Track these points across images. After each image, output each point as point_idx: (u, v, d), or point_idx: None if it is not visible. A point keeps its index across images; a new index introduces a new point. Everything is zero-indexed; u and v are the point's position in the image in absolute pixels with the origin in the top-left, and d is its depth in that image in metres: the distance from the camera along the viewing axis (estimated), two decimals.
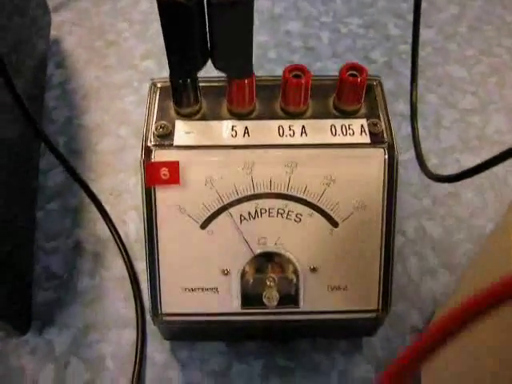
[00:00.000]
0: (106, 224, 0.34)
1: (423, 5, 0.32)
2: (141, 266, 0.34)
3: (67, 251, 0.34)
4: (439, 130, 0.41)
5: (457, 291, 0.29)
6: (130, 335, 0.31)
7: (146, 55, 0.45)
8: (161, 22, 0.22)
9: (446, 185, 0.38)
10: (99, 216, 0.35)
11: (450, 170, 0.38)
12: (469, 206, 0.37)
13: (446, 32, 0.47)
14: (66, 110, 0.41)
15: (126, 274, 0.33)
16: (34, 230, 0.35)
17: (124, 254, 0.33)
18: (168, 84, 0.27)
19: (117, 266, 0.34)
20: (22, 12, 0.39)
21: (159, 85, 0.28)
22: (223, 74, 0.25)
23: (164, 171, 0.25)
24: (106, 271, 0.34)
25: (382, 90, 0.28)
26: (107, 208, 0.35)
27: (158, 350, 0.31)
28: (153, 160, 0.25)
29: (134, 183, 0.37)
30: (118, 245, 0.33)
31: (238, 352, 0.31)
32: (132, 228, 0.35)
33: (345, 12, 0.49)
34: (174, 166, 0.25)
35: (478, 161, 0.39)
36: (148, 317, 0.32)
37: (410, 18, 0.44)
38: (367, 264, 0.27)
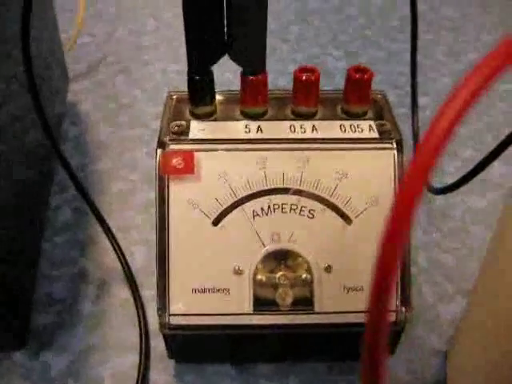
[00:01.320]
0: (113, 247, 0.33)
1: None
2: (146, 293, 0.32)
3: (71, 279, 0.33)
4: (444, 174, 0.42)
5: (469, 305, 0.28)
6: (132, 359, 0.29)
7: (157, 116, 0.47)
8: (183, 10, 0.23)
9: (456, 219, 0.38)
10: (106, 247, 0.34)
11: (458, 209, 0.39)
12: (478, 238, 0.37)
13: (441, 98, 0.50)
14: (79, 159, 0.42)
15: (131, 301, 0.32)
16: (38, 258, 0.34)
17: (130, 280, 0.32)
18: (184, 95, 0.29)
19: (122, 294, 0.33)
20: (43, 80, 0.42)
21: (175, 96, 0.29)
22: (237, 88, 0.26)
23: (178, 160, 0.26)
24: (110, 298, 0.32)
25: (387, 101, 0.29)
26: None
27: (161, 373, 0.29)
28: (168, 150, 0.26)
29: (142, 220, 0.37)
30: (124, 270, 0.33)
31: (249, 375, 0.29)
32: (139, 259, 0.35)
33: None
34: (188, 156, 0.26)
35: (484, 202, 0.40)
36: (152, 342, 0.30)
37: (408, 88, 0.47)
38: None
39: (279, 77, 0.51)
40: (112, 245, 0.33)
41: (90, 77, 0.52)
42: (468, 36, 0.60)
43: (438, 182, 0.37)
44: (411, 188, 0.11)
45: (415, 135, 0.40)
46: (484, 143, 0.45)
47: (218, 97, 0.28)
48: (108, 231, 0.33)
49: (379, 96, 0.29)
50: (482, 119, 0.48)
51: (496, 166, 0.43)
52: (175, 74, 0.52)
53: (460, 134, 0.46)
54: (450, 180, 0.41)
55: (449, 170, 0.43)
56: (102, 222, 0.33)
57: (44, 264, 0.34)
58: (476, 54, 0.56)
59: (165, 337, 0.27)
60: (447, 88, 0.52)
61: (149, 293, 0.32)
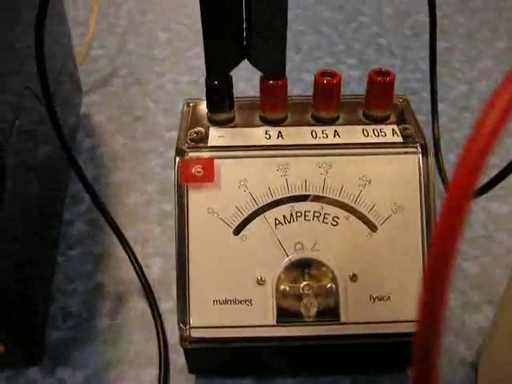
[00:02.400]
0: (130, 260, 0.32)
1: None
2: (164, 306, 0.32)
3: (87, 292, 0.33)
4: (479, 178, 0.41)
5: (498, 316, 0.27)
6: (151, 374, 0.29)
7: (171, 127, 0.46)
8: (201, 11, 0.23)
9: (478, 226, 0.37)
10: (122, 260, 0.34)
11: (479, 216, 0.38)
12: (502, 245, 0.36)
13: (459, 104, 0.49)
14: (93, 171, 0.42)
15: (149, 314, 0.31)
16: (54, 272, 0.34)
17: (148, 292, 0.32)
18: (201, 102, 0.28)
19: (139, 307, 0.32)
20: (58, 95, 0.42)
21: (192, 104, 0.29)
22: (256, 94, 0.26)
23: (198, 168, 0.25)
24: (127, 311, 0.32)
25: (409, 105, 0.29)
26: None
27: None
28: (186, 158, 0.25)
29: (159, 232, 0.37)
30: (141, 282, 0.32)
31: None
32: (156, 271, 0.34)
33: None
34: (208, 163, 0.25)
35: (506, 208, 0.39)
36: (171, 355, 0.29)
37: (423, 94, 0.47)
38: (409, 271, 0.25)
39: (293, 86, 0.50)
40: (129, 257, 0.33)
41: (103, 89, 0.52)
42: (483, 43, 0.59)
43: None
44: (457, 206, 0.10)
45: (436, 142, 0.39)
46: (504, 149, 0.44)
47: (237, 103, 0.27)
48: (124, 242, 0.33)
49: (400, 100, 0.29)
50: None
51: None
52: (188, 84, 0.52)
53: None
54: None
55: None
56: (118, 233, 0.32)
57: (59, 278, 0.34)
58: (491, 61, 0.56)
59: (185, 350, 0.26)
60: (463, 95, 0.51)
61: (167, 305, 0.32)
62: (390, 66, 0.55)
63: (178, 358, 0.29)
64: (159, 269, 0.34)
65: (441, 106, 0.48)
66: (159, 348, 0.29)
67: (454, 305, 0.32)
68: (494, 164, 0.42)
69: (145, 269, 0.33)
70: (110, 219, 0.32)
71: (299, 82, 0.51)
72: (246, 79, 0.50)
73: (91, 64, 0.55)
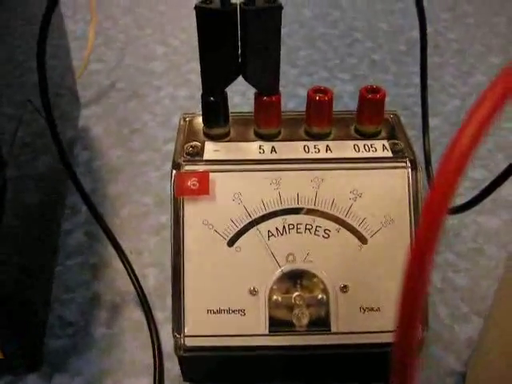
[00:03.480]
0: (127, 270, 0.33)
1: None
2: (160, 315, 0.32)
3: (84, 302, 0.33)
4: (454, 196, 0.41)
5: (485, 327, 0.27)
6: (146, 382, 0.29)
7: (168, 140, 0.47)
8: (198, 31, 0.24)
9: (468, 239, 0.38)
10: (119, 271, 0.34)
11: (470, 228, 0.39)
12: (491, 258, 0.36)
13: (451, 120, 0.50)
14: (90, 183, 0.43)
15: (144, 325, 0.32)
16: (51, 282, 0.34)
17: (144, 301, 0.32)
18: (197, 117, 0.29)
19: (135, 317, 0.32)
20: (57, 107, 0.42)
21: (188, 118, 0.29)
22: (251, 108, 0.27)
23: (193, 181, 0.26)
24: (123, 321, 0.32)
25: (400, 121, 0.29)
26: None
27: None
28: (182, 171, 0.26)
29: (155, 243, 0.37)
30: (137, 292, 0.32)
31: None
32: (152, 281, 0.35)
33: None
34: (203, 176, 0.26)
35: (497, 222, 0.40)
36: (166, 364, 0.30)
37: (416, 109, 0.47)
38: (399, 282, 0.26)
39: (289, 100, 0.51)
40: (125, 267, 0.33)
41: (101, 102, 0.53)
42: (475, 58, 0.60)
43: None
44: (434, 216, 0.11)
45: (427, 157, 0.40)
46: (495, 163, 0.45)
47: (232, 118, 0.28)
48: (121, 253, 0.33)
49: (391, 116, 0.30)
50: (492, 139, 0.48)
51: (507, 186, 0.43)
52: (185, 98, 0.53)
53: None
54: (461, 200, 0.42)
55: (459, 190, 0.43)
56: (114, 244, 0.33)
57: (57, 287, 0.34)
58: (484, 76, 0.57)
59: (180, 359, 0.27)
60: (456, 110, 0.52)
61: (162, 315, 0.32)
62: (383, 80, 0.56)
63: (173, 367, 0.30)
64: (155, 279, 0.35)
65: (433, 121, 0.49)
66: (154, 356, 0.30)
67: (443, 316, 0.33)
68: (486, 178, 0.43)
69: (141, 279, 0.34)
70: (107, 230, 0.33)
71: (294, 97, 0.52)
72: (241, 93, 0.51)
73: (89, 78, 0.56)
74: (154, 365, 0.29)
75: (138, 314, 0.32)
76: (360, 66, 0.58)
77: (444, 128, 0.49)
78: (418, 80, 0.54)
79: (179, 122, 0.29)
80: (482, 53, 0.61)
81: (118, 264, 0.34)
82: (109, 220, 0.39)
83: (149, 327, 0.31)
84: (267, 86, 0.26)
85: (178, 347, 0.26)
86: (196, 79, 0.54)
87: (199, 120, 0.29)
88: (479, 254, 0.37)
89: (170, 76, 0.56)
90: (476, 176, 0.44)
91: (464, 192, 0.42)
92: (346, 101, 0.51)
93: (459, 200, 0.41)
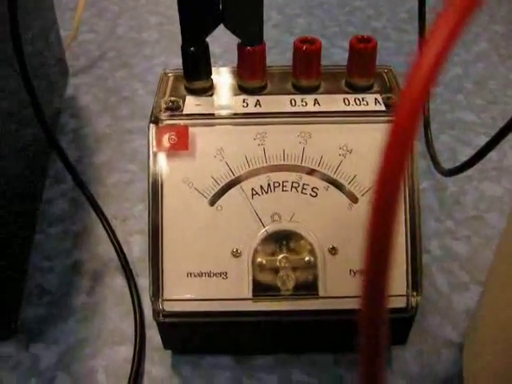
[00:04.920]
0: (109, 237, 0.32)
1: None
2: (143, 283, 0.31)
3: (64, 270, 0.32)
4: (456, 163, 0.40)
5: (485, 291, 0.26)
6: (126, 351, 0.28)
7: None
8: None
9: (469, 206, 0.36)
10: (102, 238, 0.33)
11: (471, 196, 0.37)
12: (492, 226, 0.35)
13: (453, 87, 0.48)
14: (76, 151, 0.41)
15: (127, 292, 0.30)
16: (30, 249, 0.33)
17: (126, 268, 0.31)
18: (179, 72, 0.27)
19: (117, 285, 0.31)
20: (42, 76, 0.41)
21: (170, 74, 0.28)
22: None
23: (172, 135, 0.24)
24: (105, 289, 0.31)
25: (395, 75, 0.28)
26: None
27: (157, 365, 0.27)
28: (161, 125, 0.24)
29: (139, 210, 0.36)
30: (119, 259, 0.31)
31: (249, 367, 0.27)
32: (136, 249, 0.33)
33: None
34: (182, 131, 0.24)
35: (499, 190, 0.38)
36: (148, 333, 0.29)
37: None
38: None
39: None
40: (108, 233, 0.32)
41: (91, 72, 0.51)
42: (479, 26, 0.58)
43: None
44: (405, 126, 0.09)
45: (425, 122, 0.38)
46: (497, 130, 0.43)
47: (215, 71, 0.27)
48: (103, 219, 0.32)
49: (385, 70, 0.28)
50: (495, 107, 0.46)
51: (510, 154, 0.41)
52: (177, 66, 0.51)
53: (473, 121, 0.44)
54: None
55: (462, 158, 0.41)
56: (96, 210, 0.32)
57: (36, 256, 0.33)
58: (487, 44, 0.55)
59: (159, 325, 0.25)
60: (458, 77, 0.50)
61: (145, 282, 0.31)
62: (384, 48, 0.54)
63: (155, 336, 0.28)
64: (139, 246, 0.33)
65: (436, 89, 0.47)
66: (135, 325, 0.28)
67: (441, 285, 0.31)
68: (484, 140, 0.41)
69: (124, 246, 0.32)
70: (89, 196, 0.31)
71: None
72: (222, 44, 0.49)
73: (80, 47, 0.54)
74: (135, 333, 0.28)
75: (120, 282, 0.31)
76: (360, 34, 0.56)
77: (445, 95, 0.48)
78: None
79: (160, 78, 0.27)
80: (487, 21, 0.59)
81: (102, 232, 0.33)
82: (94, 188, 0.37)
83: (131, 294, 0.30)
84: (250, 35, 0.24)
85: (156, 312, 0.24)
86: None
87: (181, 75, 0.27)
88: (480, 221, 0.35)
89: (163, 45, 0.54)
90: (479, 143, 0.42)
91: (465, 159, 0.41)
92: None
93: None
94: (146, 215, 0.35)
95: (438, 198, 0.37)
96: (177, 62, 0.51)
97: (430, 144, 0.36)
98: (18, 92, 0.32)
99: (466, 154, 0.41)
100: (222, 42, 0.48)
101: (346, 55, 0.50)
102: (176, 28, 0.57)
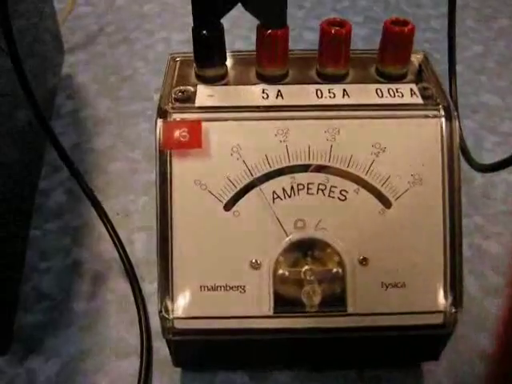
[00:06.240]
0: (111, 237, 0.29)
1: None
2: (148, 288, 0.28)
3: (63, 271, 0.29)
4: (481, 151, 0.37)
5: None
6: (132, 365, 0.26)
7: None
8: None
9: (498, 200, 0.33)
10: (103, 235, 0.30)
11: (500, 189, 0.34)
12: None
13: (475, 67, 0.45)
14: (74, 136, 0.38)
15: (131, 297, 0.28)
16: (25, 248, 0.30)
17: (130, 272, 0.28)
18: (189, 57, 0.24)
19: (121, 289, 0.29)
20: (35, 53, 0.38)
21: (179, 58, 0.25)
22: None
23: (183, 132, 0.21)
24: (107, 293, 0.29)
25: (429, 62, 0.25)
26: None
27: (165, 382, 0.25)
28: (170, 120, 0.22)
29: (144, 204, 0.33)
30: (123, 262, 0.29)
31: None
32: (140, 248, 0.31)
33: None
34: (195, 126, 0.21)
35: None
36: (155, 344, 0.26)
37: (435, 55, 0.43)
38: (428, 254, 0.22)
39: (295, 45, 0.46)
40: (109, 232, 0.29)
41: (88, 48, 0.48)
42: (498, 1, 0.54)
43: (476, 158, 0.32)
44: None
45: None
46: None
47: (230, 58, 0.24)
48: (104, 216, 0.29)
49: (418, 56, 0.25)
50: None
51: None
52: (180, 43, 0.48)
53: (497, 105, 0.41)
54: (489, 156, 0.37)
55: (487, 146, 0.38)
56: (96, 205, 0.29)
57: (33, 254, 0.30)
58: (506, 20, 0.51)
59: (168, 342, 0.23)
60: (479, 56, 0.47)
61: (151, 286, 0.28)
62: None
63: (163, 347, 0.26)
64: (143, 245, 0.31)
65: (457, 68, 0.44)
66: (141, 336, 0.26)
67: (472, 289, 0.29)
68: None
69: (128, 246, 0.30)
70: (86, 189, 0.28)
71: (301, 41, 0.47)
72: (242, 36, 0.46)
73: (76, 22, 0.50)
74: (141, 345, 0.26)
75: (123, 286, 0.29)
76: (373, 8, 0.52)
77: (466, 75, 0.45)
78: (436, 23, 0.49)
79: (167, 63, 0.25)
80: None
81: (103, 228, 0.30)
82: (93, 178, 0.35)
83: (135, 301, 0.27)
84: (272, 15, 0.21)
85: (165, 329, 0.22)
86: None
87: (192, 60, 0.24)
88: (510, 217, 0.33)
89: (164, 19, 0.51)
90: (504, 129, 0.39)
91: (492, 147, 0.38)
92: (358, 45, 0.46)
93: (489, 157, 0.36)
94: (150, 209, 0.33)
95: (463, 191, 0.34)
96: (179, 37, 0.48)
97: (460, 135, 0.33)
98: (10, 70, 0.30)
99: (491, 141, 0.38)
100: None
101: (359, 30, 0.46)
102: (177, 1, 0.53)
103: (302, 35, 0.48)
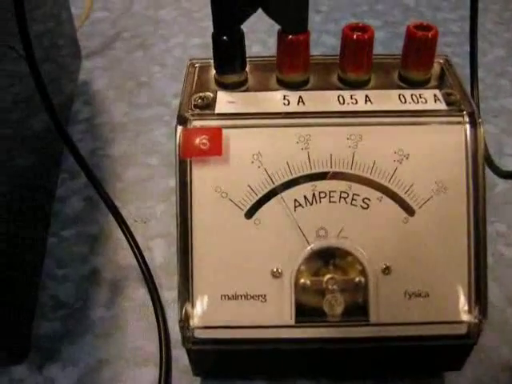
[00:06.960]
0: (129, 244, 0.29)
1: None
2: (167, 296, 0.28)
3: (80, 279, 0.29)
4: (503, 157, 0.36)
5: None
6: (150, 373, 0.25)
7: (178, 94, 0.42)
8: None
9: None
10: (121, 242, 0.30)
11: None
12: None
13: (495, 71, 0.45)
14: (91, 143, 0.38)
15: (149, 305, 0.28)
16: (43, 256, 0.30)
17: (148, 279, 0.28)
18: (208, 63, 0.24)
19: (138, 297, 0.29)
20: (52, 58, 0.38)
21: (197, 64, 0.25)
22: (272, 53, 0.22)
23: (203, 139, 0.21)
24: (125, 301, 0.28)
25: (452, 67, 0.24)
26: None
27: None
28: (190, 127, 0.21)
29: (162, 210, 0.33)
30: (141, 269, 0.28)
31: None
32: (158, 255, 0.30)
33: None
34: (215, 133, 0.21)
35: None
36: (174, 352, 0.26)
37: (455, 59, 0.42)
38: (452, 263, 0.21)
39: (313, 49, 0.46)
40: (127, 239, 0.29)
41: (105, 54, 0.48)
42: None
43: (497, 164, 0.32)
44: None
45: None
46: None
47: (250, 63, 0.23)
48: (122, 223, 0.29)
49: (441, 61, 0.24)
50: None
51: None
52: (196, 48, 0.47)
53: None
54: (510, 162, 0.37)
55: (508, 151, 0.38)
56: (114, 212, 0.29)
57: (50, 262, 0.30)
58: None
59: (188, 352, 0.22)
60: (499, 60, 0.46)
61: (169, 294, 0.28)
62: None
63: (182, 355, 0.26)
64: (162, 252, 0.31)
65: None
66: (160, 344, 0.26)
67: (495, 299, 0.28)
68: None
69: (146, 253, 0.30)
70: (105, 196, 0.28)
71: (319, 45, 0.47)
72: (261, 40, 0.45)
73: (93, 27, 0.51)
74: (160, 354, 0.25)
75: (141, 294, 0.28)
76: (392, 12, 0.52)
77: (487, 80, 0.44)
78: (455, 27, 0.48)
79: (186, 69, 0.24)
80: None
81: (121, 234, 0.30)
82: (111, 184, 0.35)
83: (154, 309, 0.27)
84: (293, 20, 0.21)
85: (185, 339, 0.22)
86: (210, 26, 0.49)
87: (211, 66, 0.24)
88: None
89: (181, 24, 0.51)
90: None
91: (510, 151, 0.38)
92: (378, 49, 0.45)
93: (510, 162, 0.36)
94: (168, 216, 0.33)
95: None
96: (195, 42, 0.48)
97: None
98: (27, 76, 0.30)
99: (509, 144, 0.38)
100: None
101: (378, 34, 0.46)
102: (193, 5, 0.53)
103: (320, 39, 0.48)
